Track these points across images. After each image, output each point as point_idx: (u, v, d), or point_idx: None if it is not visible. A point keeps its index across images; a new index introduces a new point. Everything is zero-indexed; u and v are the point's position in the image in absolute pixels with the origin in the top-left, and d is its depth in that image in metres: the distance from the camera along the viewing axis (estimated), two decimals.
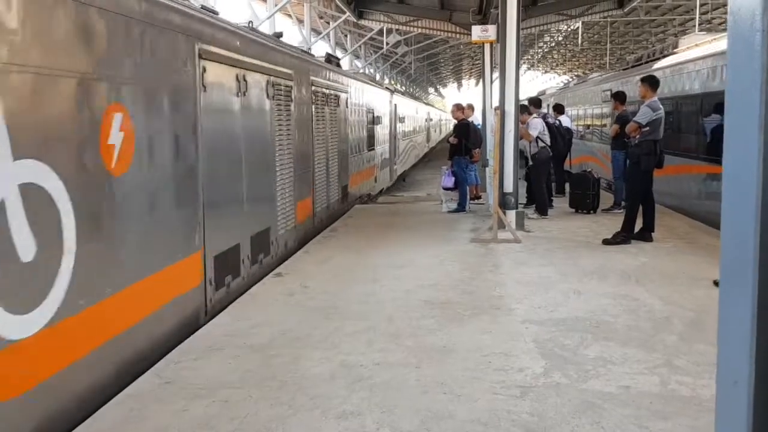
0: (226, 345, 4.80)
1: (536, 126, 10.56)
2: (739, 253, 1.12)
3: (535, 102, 11.30)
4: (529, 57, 46.05)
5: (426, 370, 4.29)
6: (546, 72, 58.60)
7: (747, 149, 1.11)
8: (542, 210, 10.40)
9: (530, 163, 10.91)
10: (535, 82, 63.94)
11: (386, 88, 21.15)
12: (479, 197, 12.67)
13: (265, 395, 3.92)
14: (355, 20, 17.58)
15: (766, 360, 1.12)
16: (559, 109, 13.38)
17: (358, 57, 29.86)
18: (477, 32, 11.02)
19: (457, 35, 18.25)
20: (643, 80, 8.51)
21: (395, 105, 21.06)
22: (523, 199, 10.82)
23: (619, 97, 10.78)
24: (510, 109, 9.22)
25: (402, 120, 23.80)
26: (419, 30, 19.05)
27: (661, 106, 8.17)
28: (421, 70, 43.52)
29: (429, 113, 41.97)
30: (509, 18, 9.06)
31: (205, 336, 5.02)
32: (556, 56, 48.21)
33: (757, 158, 1.10)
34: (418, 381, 4.11)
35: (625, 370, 4.21)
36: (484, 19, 15.06)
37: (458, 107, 11.95)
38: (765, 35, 1.08)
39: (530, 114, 10.99)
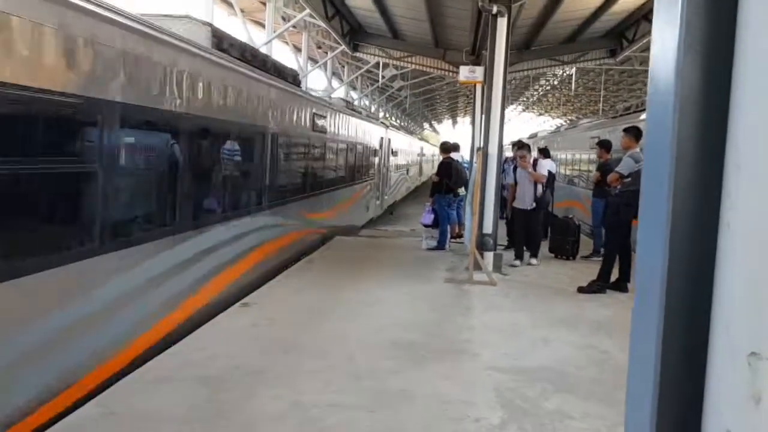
0: (176, 376, 4.65)
1: (546, 166, 10.68)
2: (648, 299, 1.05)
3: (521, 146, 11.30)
4: (525, 99, 46.49)
5: (379, 415, 4.15)
6: (540, 114, 59.20)
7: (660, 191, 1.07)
8: (534, 253, 10.18)
9: (532, 206, 10.48)
10: (530, 123, 64.58)
11: None
12: (461, 236, 12.58)
13: None
14: (350, 52, 17.69)
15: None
16: (545, 152, 13.40)
17: (354, 88, 30.07)
18: (464, 72, 11.07)
19: (450, 73, 18.35)
20: (625, 131, 8.51)
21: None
22: (503, 241, 10.72)
23: (604, 145, 10.76)
24: (493, 150, 9.21)
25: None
26: (413, 66, 19.17)
27: (643, 158, 8.16)
28: (416, 105, 43.83)
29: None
30: (497, 60, 9.09)
31: (157, 366, 4.87)
32: (551, 99, 48.66)
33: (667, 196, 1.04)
34: (370, 426, 3.97)
35: (583, 426, 4.09)
36: (477, 60, 15.17)
37: (442, 147, 12.31)
38: (678, 99, 1.05)
39: (530, 152, 10.93)
